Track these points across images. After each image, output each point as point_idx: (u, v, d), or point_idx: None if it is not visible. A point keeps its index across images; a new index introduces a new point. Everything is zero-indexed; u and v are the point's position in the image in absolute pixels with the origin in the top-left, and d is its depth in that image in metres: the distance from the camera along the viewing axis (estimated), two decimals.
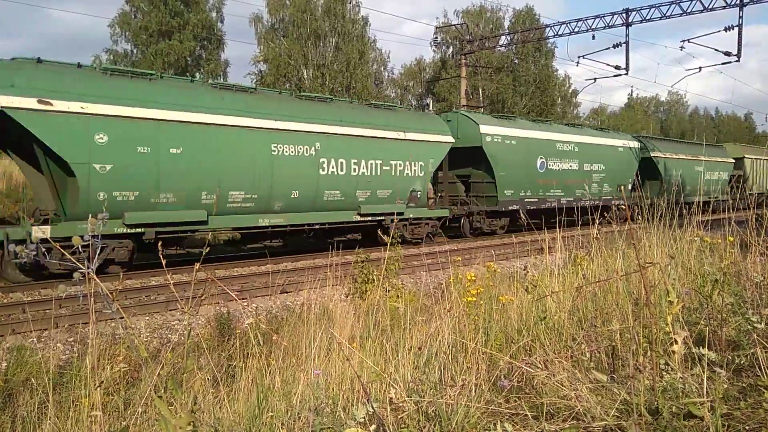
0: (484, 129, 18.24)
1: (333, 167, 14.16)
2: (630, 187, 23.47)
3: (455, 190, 19.38)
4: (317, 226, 14.32)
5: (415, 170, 16.27)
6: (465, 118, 18.81)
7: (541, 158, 20.15)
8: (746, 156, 32.81)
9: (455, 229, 19.11)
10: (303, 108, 14.03)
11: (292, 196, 13.37)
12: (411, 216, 16.19)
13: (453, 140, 17.35)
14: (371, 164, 15.10)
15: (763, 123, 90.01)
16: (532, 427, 2.12)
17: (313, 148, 13.73)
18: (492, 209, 18.77)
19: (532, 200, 19.91)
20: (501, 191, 18.80)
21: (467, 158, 18.63)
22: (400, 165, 15.86)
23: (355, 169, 14.68)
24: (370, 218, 15.22)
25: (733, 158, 31.68)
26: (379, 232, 15.50)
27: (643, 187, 24.81)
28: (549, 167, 20.50)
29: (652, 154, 25.29)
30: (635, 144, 25.20)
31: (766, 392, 2.17)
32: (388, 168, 15.51)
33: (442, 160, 17.55)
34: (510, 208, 19.08)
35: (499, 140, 18.68)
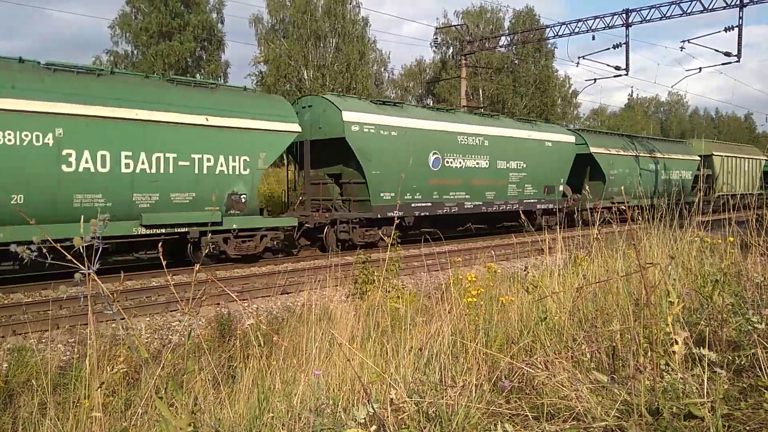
0: (348, 116, 14.55)
1: (88, 162, 10.52)
2: (562, 188, 20.40)
3: (326, 192, 15.88)
4: (69, 243, 10.69)
5: (234, 167, 12.39)
6: (327, 102, 15.08)
7: (435, 153, 16.46)
8: (715, 153, 29.33)
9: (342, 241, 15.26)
10: (39, 82, 10.26)
11: (13, 201, 9.85)
12: (234, 226, 12.45)
13: (298, 129, 13.64)
14: (158, 158, 11.32)
15: (763, 123, 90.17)
16: (533, 428, 2.12)
17: (50, 136, 10.11)
18: (366, 216, 15.02)
19: (423, 205, 16.31)
20: (375, 194, 15.00)
21: (336, 153, 15.12)
22: (209, 160, 12.05)
23: (128, 164, 10.96)
24: (164, 230, 11.53)
25: (699, 155, 28.22)
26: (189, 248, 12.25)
27: (582, 188, 23.11)
28: (447, 164, 16.80)
29: (592, 150, 22.01)
30: (570, 138, 21.57)
31: (766, 393, 2.17)
32: (187, 163, 11.72)
33: (281, 153, 14.14)
34: (389, 214, 15.12)
35: (372, 130, 14.91)
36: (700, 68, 23.16)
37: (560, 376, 2.39)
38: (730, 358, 2.54)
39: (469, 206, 17.67)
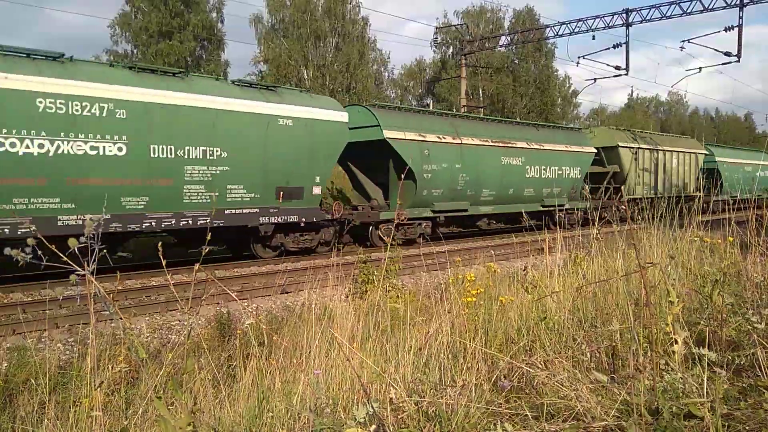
0: None
1: None
2: (318, 191, 13.65)
3: None
4: None
5: None
6: None
7: None
8: (621, 144, 22.06)
9: None
10: None
11: None
12: None
13: None
14: None
15: (763, 123, 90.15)
16: (533, 428, 2.12)
17: None
18: None
19: None
20: None
21: None
22: None
23: None
24: None
25: (596, 147, 21.36)
26: None
27: (389, 193, 15.71)
28: (11, 149, 9.32)
29: (387, 136, 14.57)
30: (336, 115, 13.87)
31: (766, 392, 2.17)
32: None
33: None
34: None
35: None
36: (700, 68, 23.19)
37: (560, 376, 2.39)
38: (730, 357, 2.54)
39: (71, 223, 10.00)
